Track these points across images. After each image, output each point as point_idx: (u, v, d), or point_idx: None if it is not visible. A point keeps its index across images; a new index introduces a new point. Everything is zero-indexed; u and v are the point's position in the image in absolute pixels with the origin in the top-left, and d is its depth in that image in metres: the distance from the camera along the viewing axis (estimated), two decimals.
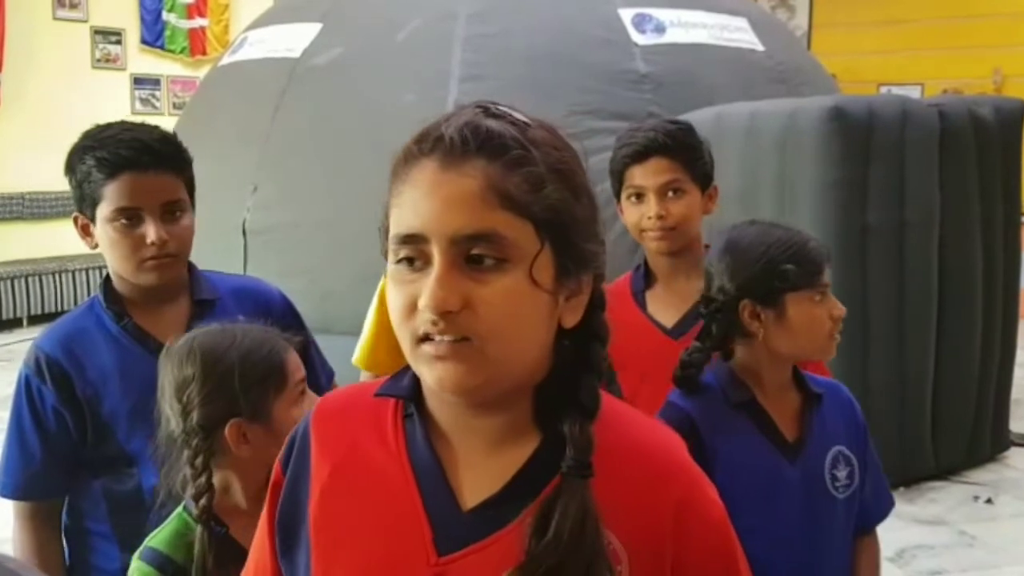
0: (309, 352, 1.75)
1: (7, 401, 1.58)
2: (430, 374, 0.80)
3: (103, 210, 1.48)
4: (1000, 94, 7.76)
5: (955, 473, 4.40)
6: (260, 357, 1.31)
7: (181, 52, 9.38)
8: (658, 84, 4.77)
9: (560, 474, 0.81)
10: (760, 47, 5.31)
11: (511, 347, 0.80)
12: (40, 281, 7.72)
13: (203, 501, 1.25)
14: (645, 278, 1.79)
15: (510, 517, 0.82)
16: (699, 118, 3.60)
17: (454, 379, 0.79)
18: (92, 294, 1.60)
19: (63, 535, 1.60)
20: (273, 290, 1.73)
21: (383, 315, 1.87)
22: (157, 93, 9.21)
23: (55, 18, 8.42)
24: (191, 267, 1.62)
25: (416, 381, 0.86)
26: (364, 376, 1.95)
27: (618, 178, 1.75)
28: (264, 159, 4.96)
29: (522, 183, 0.79)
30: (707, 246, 1.76)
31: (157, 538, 1.28)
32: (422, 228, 0.78)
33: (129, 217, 1.48)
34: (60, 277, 7.83)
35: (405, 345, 0.81)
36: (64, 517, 1.59)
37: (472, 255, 0.78)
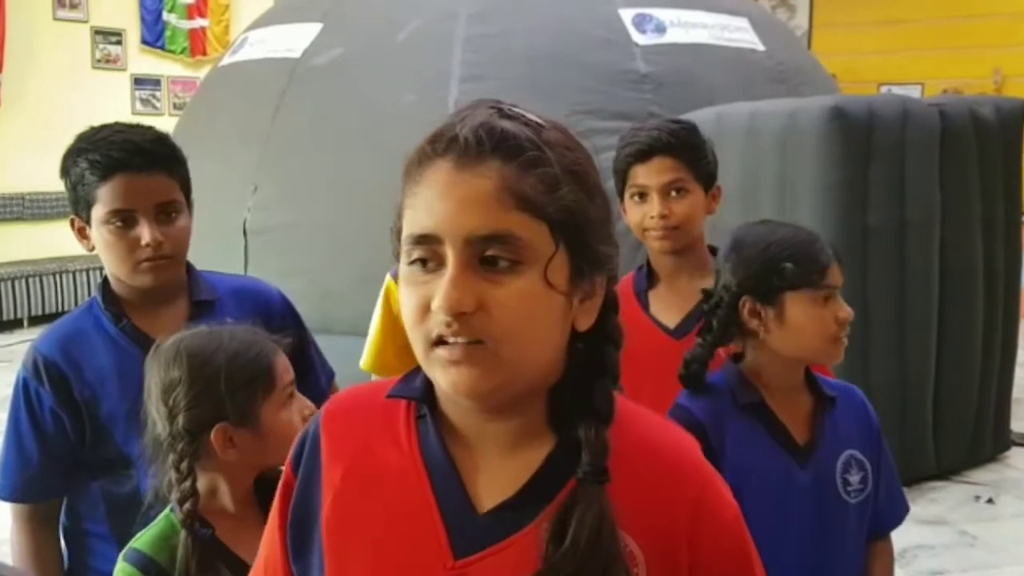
0: (309, 352, 1.74)
1: (7, 402, 1.58)
2: (444, 379, 0.79)
3: (97, 212, 1.48)
4: (1000, 94, 7.77)
5: (956, 473, 4.40)
6: (247, 360, 1.29)
7: (181, 52, 9.38)
8: (658, 84, 4.77)
9: (576, 479, 0.80)
10: (760, 47, 5.31)
11: (525, 350, 0.79)
12: (40, 282, 7.72)
13: (187, 506, 1.24)
14: (648, 278, 1.79)
15: (526, 520, 0.81)
16: (700, 118, 3.59)
17: (468, 383, 0.78)
18: (92, 295, 1.59)
19: (61, 537, 1.59)
20: (272, 290, 1.73)
21: (389, 317, 1.86)
22: (157, 93, 9.21)
23: (55, 18, 8.42)
24: (190, 268, 1.61)
25: (428, 382, 0.85)
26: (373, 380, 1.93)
27: (621, 177, 1.75)
28: (264, 159, 4.96)
29: (537, 184, 0.78)
30: (710, 247, 1.76)
31: (142, 539, 1.28)
32: (436, 229, 0.78)
33: (123, 219, 1.47)
34: (60, 278, 7.82)
35: (418, 349, 0.80)
36: (62, 518, 1.59)
37: (486, 256, 0.77)
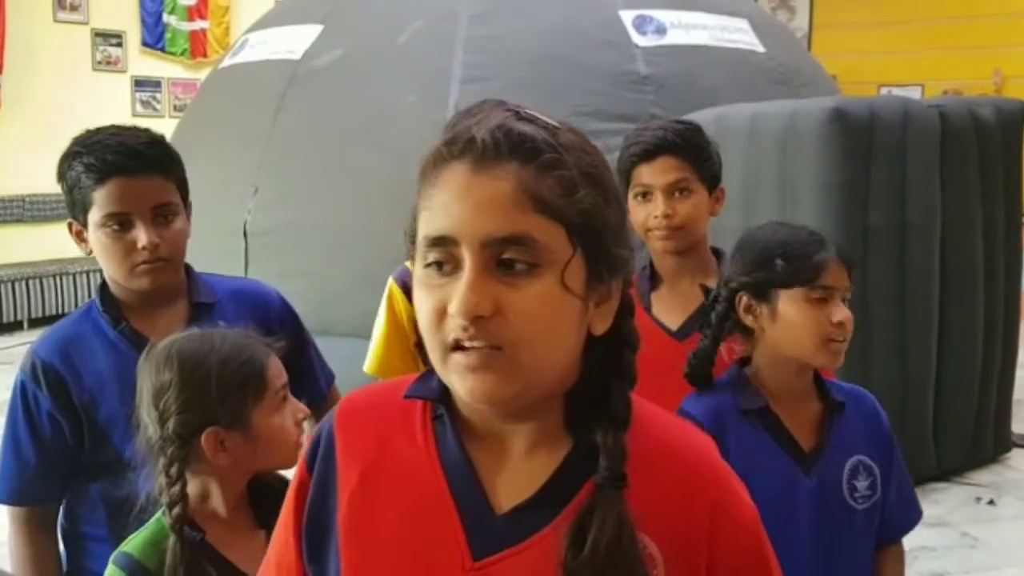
0: (308, 354, 1.74)
1: (7, 405, 1.58)
2: (462, 385, 0.78)
3: (94, 216, 1.47)
4: (1000, 95, 7.76)
5: (957, 474, 4.39)
6: (239, 363, 1.28)
7: (182, 54, 9.38)
8: (659, 85, 4.77)
9: (594, 484, 0.80)
10: (761, 48, 5.31)
11: (543, 355, 0.79)
12: (41, 284, 7.71)
13: (177, 510, 1.23)
14: (650, 279, 1.78)
15: (544, 522, 0.81)
16: (700, 119, 3.58)
17: (485, 390, 0.77)
18: (91, 297, 1.59)
19: (60, 539, 1.59)
20: (272, 292, 1.72)
21: (393, 321, 1.86)
22: (158, 95, 9.21)
23: (55, 20, 8.42)
24: (189, 270, 1.61)
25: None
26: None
27: (625, 177, 1.74)
28: (265, 161, 4.96)
29: (555, 186, 0.78)
30: (713, 248, 1.76)
31: (133, 542, 1.27)
32: (453, 231, 0.77)
33: (120, 222, 1.46)
34: (61, 280, 7.82)
35: (435, 354, 0.80)
36: (61, 520, 1.59)
37: (503, 259, 0.77)
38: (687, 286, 1.72)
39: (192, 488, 1.27)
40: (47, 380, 1.51)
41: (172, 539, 1.22)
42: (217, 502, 1.30)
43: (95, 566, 1.54)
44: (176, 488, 1.24)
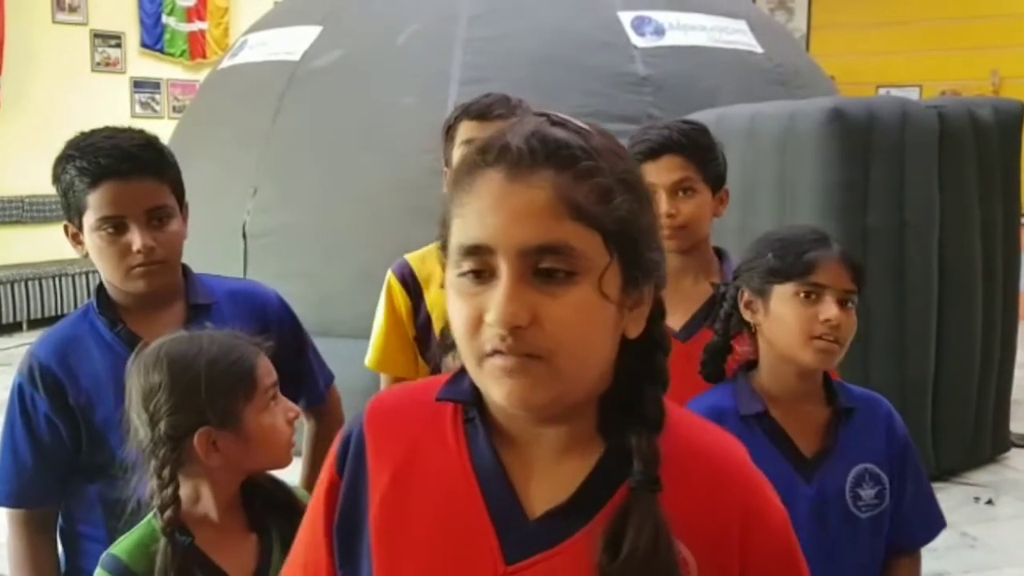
0: (307, 355, 1.74)
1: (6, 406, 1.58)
2: (498, 390, 0.77)
3: (88, 219, 1.47)
4: (998, 95, 7.76)
5: (955, 474, 4.40)
6: (228, 363, 1.29)
7: (181, 55, 9.38)
8: (658, 87, 4.77)
9: (629, 488, 0.80)
10: (759, 49, 5.31)
11: (580, 362, 0.78)
12: (40, 285, 7.71)
13: (168, 513, 1.23)
14: None
15: (577, 526, 0.81)
16: (700, 120, 3.60)
17: (522, 395, 0.77)
18: (89, 299, 1.59)
19: (58, 539, 1.59)
20: (270, 293, 1.72)
21: (392, 314, 1.86)
22: (157, 96, 9.21)
23: (54, 21, 8.43)
24: (187, 271, 1.60)
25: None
26: (383, 381, 1.91)
27: None
28: (264, 162, 4.96)
29: (591, 194, 0.77)
30: (715, 248, 1.76)
31: (121, 545, 1.27)
32: (488, 240, 0.76)
33: (114, 225, 1.46)
34: (60, 281, 7.82)
35: (469, 361, 0.79)
36: (59, 521, 1.58)
37: (540, 268, 0.76)
38: (689, 286, 1.72)
39: (183, 491, 1.27)
40: (44, 382, 1.50)
41: (163, 543, 1.22)
42: (209, 505, 1.30)
43: (93, 567, 1.54)
44: (168, 491, 1.24)
